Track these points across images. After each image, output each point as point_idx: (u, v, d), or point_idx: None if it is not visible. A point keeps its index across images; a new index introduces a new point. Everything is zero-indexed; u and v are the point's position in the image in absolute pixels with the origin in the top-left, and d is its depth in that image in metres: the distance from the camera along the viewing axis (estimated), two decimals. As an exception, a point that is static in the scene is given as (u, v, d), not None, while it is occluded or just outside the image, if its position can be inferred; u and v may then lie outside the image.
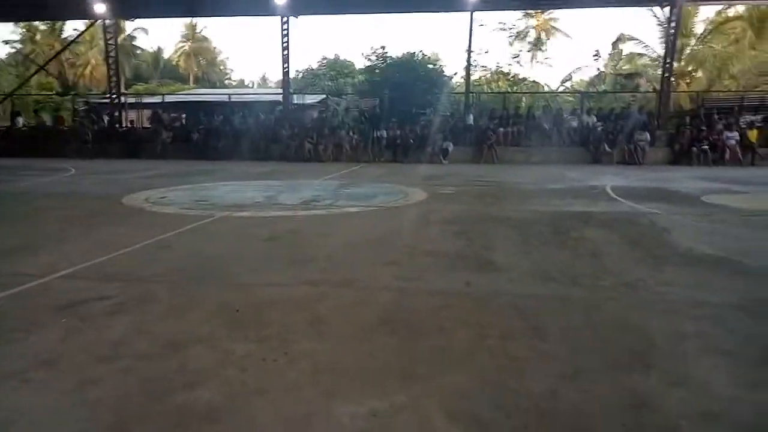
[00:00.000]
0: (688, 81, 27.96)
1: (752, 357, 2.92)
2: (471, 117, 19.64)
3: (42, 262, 4.78)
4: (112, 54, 22.18)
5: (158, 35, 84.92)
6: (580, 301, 3.83)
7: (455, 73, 28.04)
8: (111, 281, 4.27)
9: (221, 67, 50.26)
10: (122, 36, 35.81)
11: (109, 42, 22.16)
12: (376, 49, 21.88)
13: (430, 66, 22.29)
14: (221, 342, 3.08)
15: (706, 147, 16.30)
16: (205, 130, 20.09)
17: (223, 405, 2.39)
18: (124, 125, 22.12)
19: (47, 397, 2.48)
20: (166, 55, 45.92)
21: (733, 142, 16.23)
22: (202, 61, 46.33)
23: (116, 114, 22.26)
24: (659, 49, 26.14)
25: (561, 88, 33.28)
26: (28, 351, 2.96)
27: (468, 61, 21.38)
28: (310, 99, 25.95)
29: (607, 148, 17.25)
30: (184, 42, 45.83)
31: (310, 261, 4.90)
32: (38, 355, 2.90)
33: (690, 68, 28.40)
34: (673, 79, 20.69)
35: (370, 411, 2.34)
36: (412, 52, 21.97)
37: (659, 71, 22.48)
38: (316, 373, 2.70)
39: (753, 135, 16.44)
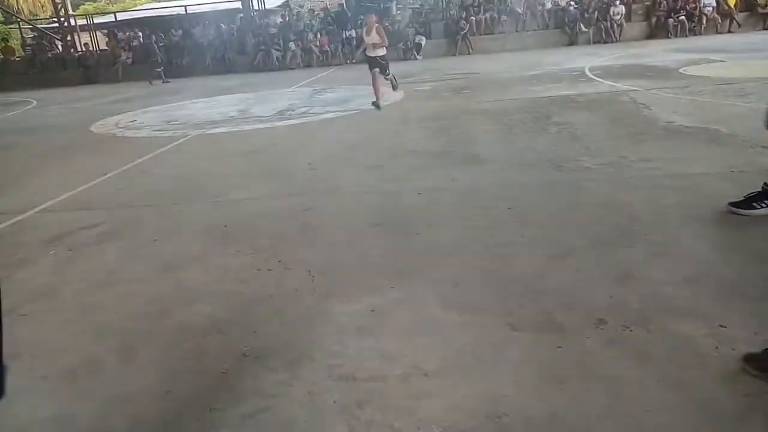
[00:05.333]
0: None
1: (733, 222, 3.01)
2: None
3: (19, 198, 4.69)
4: (53, -28, 20.55)
5: (99, -54, 78.38)
6: (564, 185, 3.88)
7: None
8: (94, 210, 4.22)
9: (172, -23, 46.96)
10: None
11: (47, -42, 20.45)
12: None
13: (395, -46, 21.00)
14: (215, 258, 3.11)
15: (683, 17, 15.90)
16: (165, 48, 19.10)
17: (225, 316, 2.44)
18: (78, 50, 20.94)
19: (49, 328, 2.52)
20: (110, -33, 42.60)
21: (710, 9, 15.81)
22: (151, -28, 43.14)
23: (68, 38, 20.98)
24: None
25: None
26: (20, 287, 2.94)
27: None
28: (272, 3, 24.56)
29: (583, 28, 16.78)
30: (128, -49, 42.38)
31: (292, 171, 4.86)
32: (32, 290, 2.90)
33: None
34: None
35: (368, 308, 2.41)
36: (374, -59, 20.60)
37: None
38: (311, 278, 2.75)
39: (731, 0, 16.01)
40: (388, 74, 7.92)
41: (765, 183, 3.02)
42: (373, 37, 7.62)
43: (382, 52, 7.65)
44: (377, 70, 7.67)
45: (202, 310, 2.52)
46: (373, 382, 1.91)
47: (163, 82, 16.51)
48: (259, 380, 1.97)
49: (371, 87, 7.80)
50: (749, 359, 1.78)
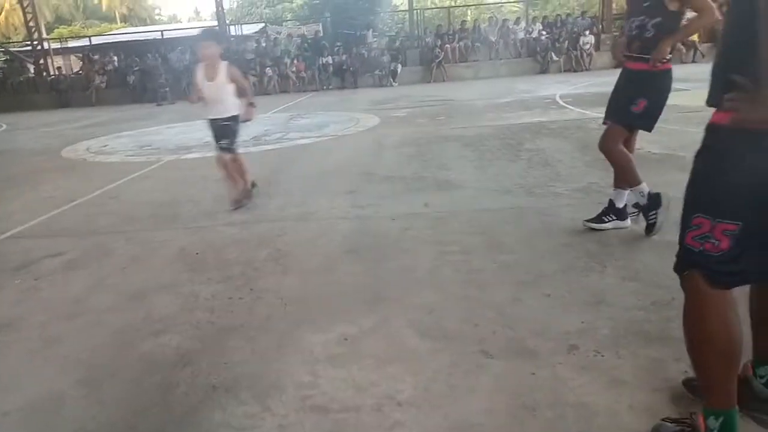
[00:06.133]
0: (630, -19, 27.73)
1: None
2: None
3: (-16, 226, 4.56)
4: (27, -4, 20.36)
5: (74, -29, 78.18)
6: (536, 210, 3.92)
7: (397, -10, 27.10)
8: (61, 237, 4.12)
9: (148, 3, 46.97)
10: (34, -26, 32.73)
11: (21, -18, 20.29)
12: (313, -30, 20.82)
13: (371, -16, 21.43)
14: (185, 286, 3.05)
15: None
16: (141, 72, 19.03)
17: (194, 347, 2.39)
18: (51, 73, 20.71)
19: (10, 361, 2.43)
20: (85, -7, 42.46)
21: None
22: (125, -2, 43.06)
23: (41, 62, 20.75)
24: (600, -50, 25.65)
25: (505, -2, 32.61)
26: (-17, 317, 2.85)
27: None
28: (249, 29, 24.71)
29: (554, 57, 17.24)
30: (103, -22, 42.28)
31: (266, 197, 4.83)
32: (-5, 320, 2.81)
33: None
34: (615, -20, 20.47)
35: (341, 336, 2.38)
36: (350, -30, 21.01)
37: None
38: (284, 306, 2.72)
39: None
40: (233, 148, 4.50)
41: (610, 198, 3.35)
42: (218, 85, 4.36)
43: (235, 110, 4.41)
44: (225, 144, 4.44)
45: (171, 340, 2.46)
46: (345, 413, 1.88)
47: (168, 104, 16.52)
48: (228, 413, 1.92)
49: (347, 112, 7.82)
50: (686, 383, 1.82)
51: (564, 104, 9.48)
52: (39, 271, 3.46)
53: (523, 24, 18.87)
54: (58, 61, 21.89)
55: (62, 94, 19.10)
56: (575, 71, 16.63)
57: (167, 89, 17.40)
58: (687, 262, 1.52)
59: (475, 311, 2.51)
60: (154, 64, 18.66)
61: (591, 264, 2.93)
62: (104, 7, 41.79)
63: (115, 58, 20.48)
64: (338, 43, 18.44)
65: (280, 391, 2.02)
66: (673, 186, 4.18)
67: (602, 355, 2.09)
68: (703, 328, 1.51)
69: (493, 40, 18.10)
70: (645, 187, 3.23)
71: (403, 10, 22.69)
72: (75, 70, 21.07)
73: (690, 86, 10.36)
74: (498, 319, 2.43)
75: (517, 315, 2.45)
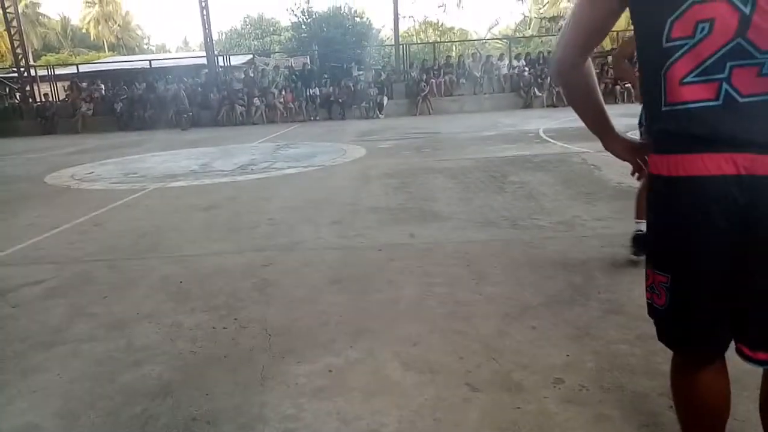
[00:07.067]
0: (609, 21, 28.60)
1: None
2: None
3: (-38, 252, 4.48)
4: (14, 24, 20.42)
5: (63, 1, 78.91)
6: (520, 243, 3.96)
7: (383, 26, 27.68)
8: (42, 264, 4.06)
9: (137, 32, 47.37)
10: (23, 2, 33.00)
11: (8, 10, 20.35)
12: (301, 4, 21.23)
13: (358, 19, 21.86)
14: (168, 316, 3.01)
15: (629, 84, 16.88)
16: (129, 100, 19.06)
17: (175, 378, 2.35)
18: (37, 100, 20.64)
19: (-15, 391, 2.36)
20: (74, 22, 42.80)
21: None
22: (115, 27, 43.41)
23: (27, 88, 20.69)
24: (581, -9, 26.45)
25: (489, 35, 33.46)
26: (-43, 346, 2.78)
27: (395, 11, 21.06)
28: (237, 60, 24.98)
29: (537, 92, 17.61)
30: (91, 7, 42.68)
31: (252, 227, 4.82)
32: (-30, 349, 2.74)
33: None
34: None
35: (325, 368, 2.36)
36: (338, 6, 21.47)
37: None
38: (268, 336, 2.68)
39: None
40: None
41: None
42: None
43: None
44: None
45: (152, 371, 2.42)
46: (328, 447, 1.85)
47: (182, 129, 16.70)
48: (209, 447, 1.88)
49: (334, 143, 7.88)
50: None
51: (547, 138, 9.65)
52: (17, 299, 3.39)
53: (506, 60, 19.32)
54: (45, 88, 21.83)
55: (48, 120, 19.03)
56: (557, 107, 16.97)
57: (190, 113, 17.54)
58: (648, 314, 1.45)
59: (461, 344, 2.51)
60: (175, 92, 18.69)
61: (575, 297, 2.95)
62: (92, 36, 42.07)
63: (103, 86, 20.51)
64: (326, 76, 18.69)
65: (263, 424, 1.99)
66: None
67: (588, 389, 2.09)
68: (671, 382, 1.47)
69: (478, 75, 18.48)
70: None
71: (389, 45, 23.13)
72: (62, 98, 21.01)
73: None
74: (483, 351, 2.42)
75: (503, 348, 2.45)
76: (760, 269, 1.19)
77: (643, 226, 3.22)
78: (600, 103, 1.49)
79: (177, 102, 18.14)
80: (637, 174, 1.54)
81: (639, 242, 3.30)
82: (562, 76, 1.45)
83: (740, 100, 1.12)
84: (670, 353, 1.47)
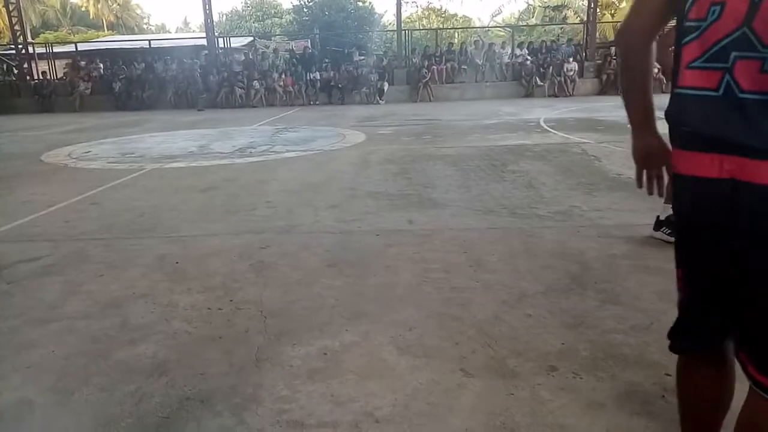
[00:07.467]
0: (612, 12, 28.43)
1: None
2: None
3: (-42, 228, 4.46)
4: (13, 0, 20.15)
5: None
6: (518, 231, 3.95)
7: (386, 11, 27.46)
8: (38, 242, 4.04)
9: (137, 12, 46.85)
10: (22, -22, 32.49)
11: (7, -14, 20.08)
12: (304, -13, 20.99)
13: (360, 4, 21.67)
14: (163, 296, 3.00)
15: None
16: (127, 80, 18.91)
17: (170, 357, 2.35)
18: (35, 77, 20.46)
19: (-21, 365, 2.36)
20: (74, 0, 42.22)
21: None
22: (114, 5, 42.91)
23: (25, 66, 20.49)
24: (586, -20, 26.30)
25: (491, 23, 33.22)
26: (-48, 321, 2.77)
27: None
28: (237, 42, 24.74)
29: (538, 81, 17.52)
30: (90, -15, 42.10)
31: (250, 209, 4.80)
32: (-36, 324, 2.73)
33: (614, -2, 28.79)
34: (598, 10, 20.98)
35: (320, 350, 2.36)
36: (340, -12, 21.23)
37: (585, 2, 22.73)
38: (263, 318, 2.68)
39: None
40: None
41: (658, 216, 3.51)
42: None
43: None
44: None
45: (147, 350, 2.42)
46: (322, 429, 1.85)
47: (198, 110, 16.73)
48: (201, 426, 1.89)
49: (334, 128, 7.84)
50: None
51: (548, 128, 9.62)
52: (12, 276, 3.39)
53: (509, 49, 19.19)
54: (43, 66, 21.62)
55: (45, 99, 18.87)
56: (558, 96, 16.90)
57: (205, 95, 17.47)
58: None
59: (456, 329, 2.51)
60: (191, 72, 18.55)
61: (572, 286, 2.95)
62: (92, 15, 41.61)
63: (101, 65, 20.34)
64: (326, 60, 18.56)
65: (257, 405, 1.99)
66: (651, 212, 4.26)
67: (581, 378, 2.09)
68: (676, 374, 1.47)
69: (480, 63, 18.35)
70: None
71: (391, 30, 22.95)
72: (60, 76, 20.83)
73: (670, 116, 10.61)
74: (479, 337, 2.42)
75: (498, 334, 2.45)
76: (754, 281, 1.16)
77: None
78: (651, 89, 1.44)
79: (189, 82, 18.03)
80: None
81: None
82: (633, 48, 1.37)
83: (739, 95, 1.11)
84: (664, 344, 1.47)
